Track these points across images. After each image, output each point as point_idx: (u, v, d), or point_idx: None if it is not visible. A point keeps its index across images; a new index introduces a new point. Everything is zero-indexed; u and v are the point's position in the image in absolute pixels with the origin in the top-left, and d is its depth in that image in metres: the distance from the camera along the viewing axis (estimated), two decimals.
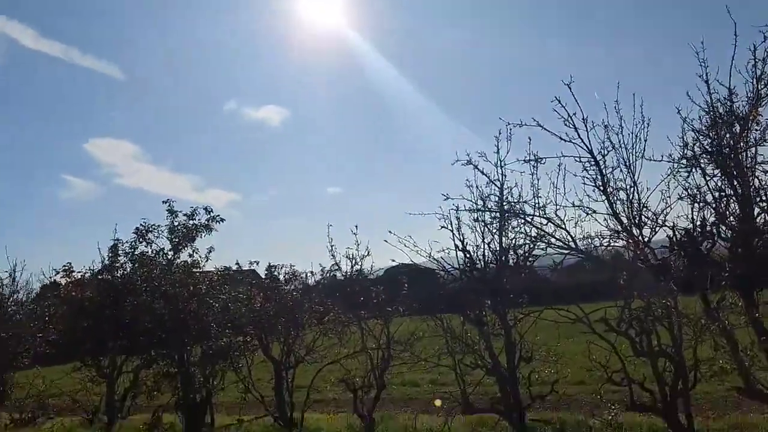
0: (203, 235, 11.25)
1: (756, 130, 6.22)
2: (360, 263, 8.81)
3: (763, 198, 6.16)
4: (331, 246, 8.94)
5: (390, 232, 7.85)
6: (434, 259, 7.93)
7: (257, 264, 11.32)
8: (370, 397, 8.95)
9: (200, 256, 11.41)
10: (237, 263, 11.80)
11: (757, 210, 6.20)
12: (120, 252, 11.12)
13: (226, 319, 10.12)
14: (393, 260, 8.08)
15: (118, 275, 11.04)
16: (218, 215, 11.41)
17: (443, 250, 7.87)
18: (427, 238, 7.87)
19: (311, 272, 10.83)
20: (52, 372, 14.22)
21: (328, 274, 10.56)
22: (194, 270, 11.20)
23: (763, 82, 6.12)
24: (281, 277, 10.98)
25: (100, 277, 11.16)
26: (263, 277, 11.37)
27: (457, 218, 7.84)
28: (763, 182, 6.18)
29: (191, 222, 11.32)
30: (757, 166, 6.20)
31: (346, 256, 8.86)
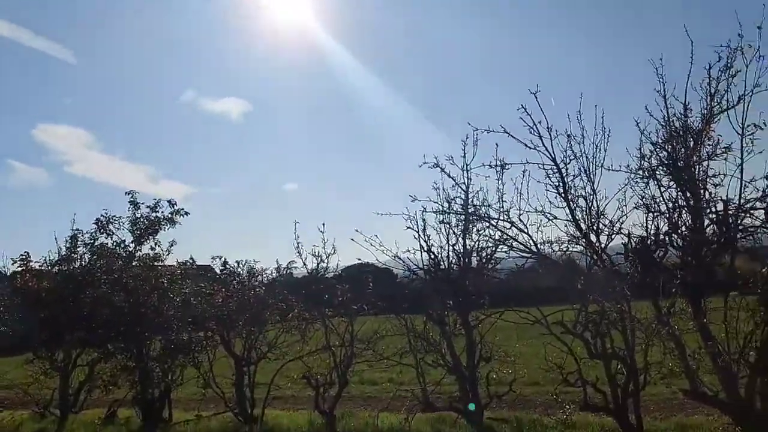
0: (167, 228, 11.17)
1: (708, 145, 6.56)
2: (326, 261, 8.89)
3: (713, 210, 6.50)
4: (298, 243, 8.96)
5: (357, 230, 7.98)
6: (399, 258, 8.07)
7: (220, 259, 11.29)
8: (330, 395, 9.02)
9: (162, 249, 11.33)
10: (191, 258, 11.75)
11: (707, 221, 6.53)
12: (79, 243, 10.93)
13: (186, 314, 10.04)
14: (359, 259, 8.21)
15: (77, 266, 10.85)
16: (182, 208, 11.37)
17: (408, 251, 8.04)
18: (387, 238, 8.04)
19: (275, 269, 10.88)
20: (1, 364, 13.85)
21: (285, 271, 10.62)
22: (156, 263, 11.09)
23: (716, 100, 6.46)
24: (243, 273, 10.97)
25: (57, 267, 10.95)
26: (218, 272, 11.34)
27: (423, 220, 8.01)
28: (714, 195, 6.52)
29: (154, 214, 11.23)
30: (708, 180, 6.54)
31: (312, 254, 8.91)
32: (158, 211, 11.24)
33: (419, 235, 8.00)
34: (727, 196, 6.38)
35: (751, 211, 6.32)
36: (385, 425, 8.08)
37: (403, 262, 8.08)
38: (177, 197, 11.35)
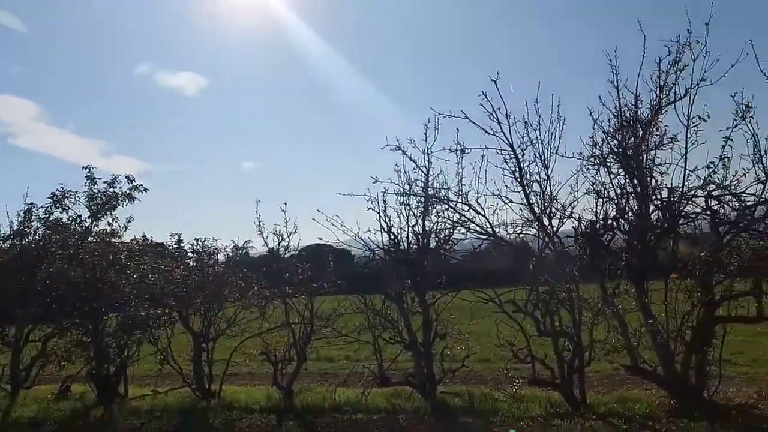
0: (125, 204, 11.03)
1: (656, 135, 6.94)
2: (288, 240, 8.99)
3: (658, 197, 6.88)
4: (259, 222, 9.04)
5: (318, 210, 8.13)
6: (360, 238, 8.25)
7: (179, 236, 11.26)
8: (288, 371, 9.18)
9: (119, 226, 11.22)
10: (144, 235, 11.68)
11: (652, 207, 6.92)
12: (33, 217, 10.71)
13: (144, 290, 9.99)
14: (320, 238, 8.35)
15: (31, 241, 10.64)
16: (141, 184, 11.21)
17: (369, 231, 8.23)
18: (348, 218, 8.24)
19: (233, 247, 10.92)
20: None
21: (242, 251, 10.66)
22: (113, 239, 10.99)
23: (664, 92, 6.81)
24: (201, 250, 10.96)
25: (9, 242, 10.71)
26: (172, 250, 11.31)
27: (384, 201, 8.20)
28: (659, 183, 6.91)
29: (111, 190, 11.08)
30: (654, 168, 6.93)
31: (274, 233, 8.99)
32: (116, 187, 11.09)
33: (380, 216, 8.20)
34: (671, 183, 6.78)
35: (693, 199, 6.73)
36: (342, 399, 8.28)
37: (364, 242, 8.27)
38: (131, 173, 11.22)
